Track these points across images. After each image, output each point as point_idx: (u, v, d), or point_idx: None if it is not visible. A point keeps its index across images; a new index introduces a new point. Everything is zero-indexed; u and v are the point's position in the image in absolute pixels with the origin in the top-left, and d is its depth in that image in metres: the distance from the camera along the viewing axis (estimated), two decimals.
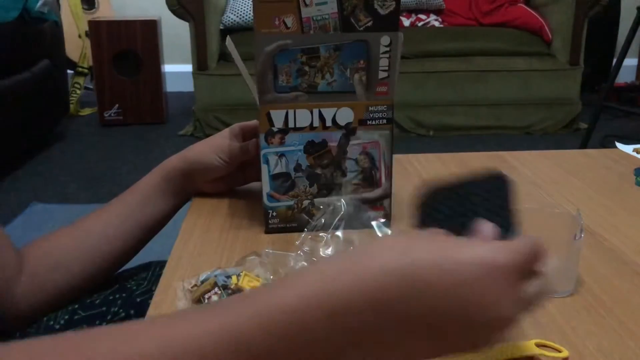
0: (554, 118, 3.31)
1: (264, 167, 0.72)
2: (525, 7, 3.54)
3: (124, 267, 0.79)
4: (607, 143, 2.99)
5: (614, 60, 2.86)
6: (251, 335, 0.35)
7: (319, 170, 0.72)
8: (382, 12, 0.67)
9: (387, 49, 0.68)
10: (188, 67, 3.30)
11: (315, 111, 0.70)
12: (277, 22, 0.66)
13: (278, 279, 0.41)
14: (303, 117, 0.70)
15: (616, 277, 0.64)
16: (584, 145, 2.78)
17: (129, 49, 3.43)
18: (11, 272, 0.68)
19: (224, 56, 3.29)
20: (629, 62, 3.79)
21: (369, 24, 0.67)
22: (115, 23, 3.46)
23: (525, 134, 3.29)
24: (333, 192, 0.73)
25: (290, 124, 0.70)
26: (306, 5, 0.65)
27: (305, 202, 0.73)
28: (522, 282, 0.39)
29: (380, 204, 0.75)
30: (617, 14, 4.00)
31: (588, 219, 0.77)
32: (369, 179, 0.74)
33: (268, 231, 0.74)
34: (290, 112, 0.69)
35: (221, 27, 3.45)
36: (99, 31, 3.40)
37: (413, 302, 0.37)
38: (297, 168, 0.72)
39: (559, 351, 0.52)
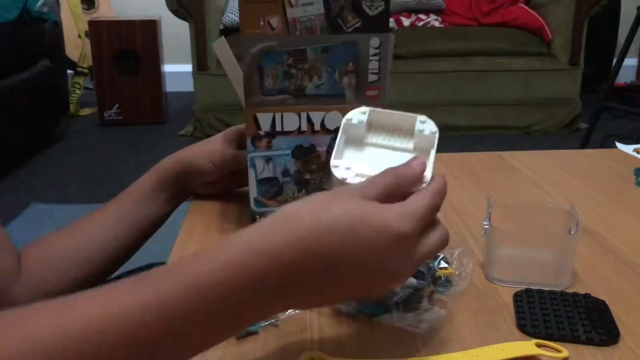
0: (554, 118, 3.31)
1: (250, 171, 0.70)
2: (525, 7, 3.54)
3: (127, 269, 0.79)
4: (607, 143, 2.99)
5: (614, 60, 2.86)
6: (179, 307, 0.40)
7: (307, 176, 0.71)
8: (370, 12, 0.65)
9: (377, 51, 0.67)
10: (188, 67, 3.30)
11: (304, 115, 0.68)
12: (262, 23, 0.64)
13: (207, 247, 0.45)
14: (291, 120, 0.68)
15: (616, 277, 0.64)
16: (584, 145, 2.78)
17: (129, 49, 3.43)
18: (11, 272, 0.67)
19: None
20: (629, 62, 3.79)
21: (357, 25, 0.65)
22: (115, 23, 3.46)
23: (525, 134, 3.29)
24: None
25: (278, 128, 0.69)
26: (292, 6, 0.64)
27: None
28: (422, 239, 0.46)
29: None
30: (617, 14, 4.00)
31: (588, 219, 0.77)
32: None
33: None
34: (278, 115, 0.68)
35: (221, 27, 3.45)
36: (98, 31, 3.40)
37: (320, 266, 0.43)
38: (285, 173, 0.70)
39: (559, 351, 0.51)
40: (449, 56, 3.31)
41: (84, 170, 2.82)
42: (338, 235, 0.43)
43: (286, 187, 0.71)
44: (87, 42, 3.61)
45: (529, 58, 3.32)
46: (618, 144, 1.08)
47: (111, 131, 3.42)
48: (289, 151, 0.70)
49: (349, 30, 0.66)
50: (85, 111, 3.75)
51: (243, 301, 0.41)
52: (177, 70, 4.07)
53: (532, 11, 3.48)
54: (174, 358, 0.41)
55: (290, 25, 0.65)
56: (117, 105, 3.48)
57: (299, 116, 0.68)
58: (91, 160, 2.96)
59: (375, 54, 0.67)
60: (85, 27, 3.68)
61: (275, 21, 0.65)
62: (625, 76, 3.78)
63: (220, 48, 0.73)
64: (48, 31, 3.03)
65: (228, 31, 3.40)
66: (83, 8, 3.94)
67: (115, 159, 2.96)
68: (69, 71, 3.50)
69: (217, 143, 0.79)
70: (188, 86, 3.35)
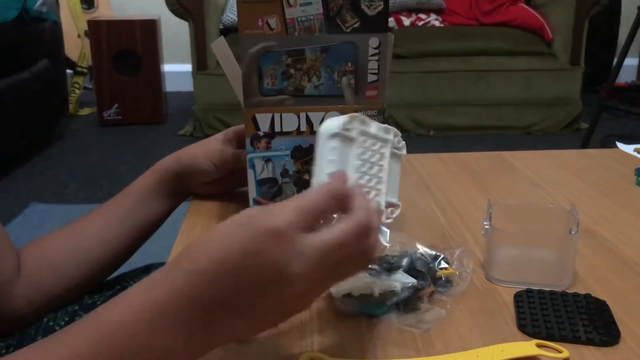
0: (555, 118, 3.31)
1: (250, 172, 0.70)
2: (526, 6, 3.54)
3: (125, 269, 0.79)
4: (607, 143, 2.98)
5: (615, 60, 2.86)
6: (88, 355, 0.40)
7: (306, 176, 0.71)
8: (369, 12, 0.65)
9: (376, 51, 0.66)
10: (187, 67, 3.29)
11: (303, 115, 0.68)
12: (260, 23, 0.64)
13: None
14: (290, 121, 0.68)
15: (617, 277, 0.64)
16: (584, 145, 2.78)
17: (128, 49, 3.42)
18: (11, 271, 0.67)
19: None
20: (630, 61, 3.78)
21: (356, 25, 0.65)
22: (114, 23, 3.46)
23: (526, 134, 3.29)
24: None
25: (277, 128, 0.68)
26: (290, 5, 0.64)
27: None
28: (308, 237, 0.42)
29: None
30: (618, 14, 4.00)
31: (588, 219, 0.77)
32: None
33: None
34: (277, 116, 0.68)
35: (221, 27, 3.45)
36: (98, 31, 3.40)
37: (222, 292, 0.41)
38: (284, 173, 0.70)
39: (560, 351, 0.51)
40: (449, 56, 3.31)
41: (83, 170, 2.81)
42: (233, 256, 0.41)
43: (285, 188, 0.71)
44: (87, 41, 3.61)
45: (530, 58, 3.32)
46: (618, 144, 1.08)
47: (110, 131, 3.41)
48: (288, 152, 0.69)
49: (348, 30, 0.65)
50: (85, 111, 3.75)
51: (151, 336, 0.40)
52: (177, 70, 4.07)
53: (532, 11, 3.48)
54: None
55: (288, 25, 0.65)
56: (116, 105, 3.48)
57: (298, 116, 0.68)
58: (90, 160, 2.96)
59: (374, 54, 0.66)
60: (85, 27, 3.68)
61: (273, 21, 0.64)
62: (625, 76, 3.78)
63: (219, 48, 0.73)
64: (47, 31, 3.03)
65: (228, 31, 3.40)
66: (82, 7, 3.94)
67: (114, 159, 2.95)
68: (68, 71, 3.50)
69: (217, 143, 0.79)
70: (187, 86, 3.35)
